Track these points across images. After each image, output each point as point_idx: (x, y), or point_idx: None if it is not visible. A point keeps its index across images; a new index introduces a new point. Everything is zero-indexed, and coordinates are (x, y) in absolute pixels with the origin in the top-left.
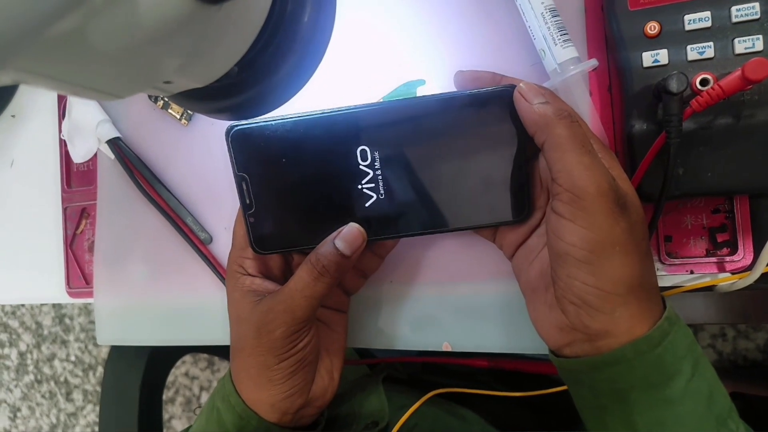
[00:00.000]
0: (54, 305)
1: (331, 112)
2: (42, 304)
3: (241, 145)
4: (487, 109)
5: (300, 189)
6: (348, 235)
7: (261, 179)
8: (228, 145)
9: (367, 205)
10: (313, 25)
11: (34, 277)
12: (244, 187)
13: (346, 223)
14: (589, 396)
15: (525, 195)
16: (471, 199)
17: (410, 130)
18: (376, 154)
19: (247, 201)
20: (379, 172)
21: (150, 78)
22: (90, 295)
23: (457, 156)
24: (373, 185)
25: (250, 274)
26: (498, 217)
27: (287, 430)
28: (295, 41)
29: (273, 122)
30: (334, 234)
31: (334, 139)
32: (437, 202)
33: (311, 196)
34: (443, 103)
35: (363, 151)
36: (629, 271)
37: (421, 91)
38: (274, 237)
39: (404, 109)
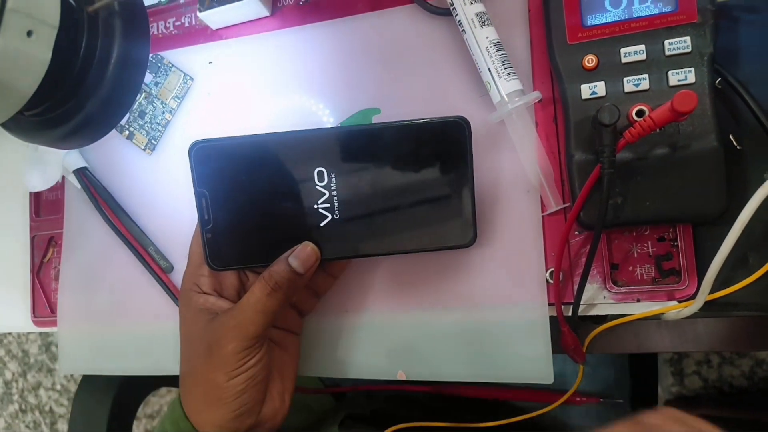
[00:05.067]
0: (41, 333)
1: (291, 132)
2: (29, 332)
3: (202, 162)
4: (438, 137)
5: (258, 206)
6: (302, 253)
7: (220, 195)
8: (190, 161)
9: (322, 224)
10: (124, 54)
11: (0, 306)
12: (204, 203)
13: (301, 241)
14: None
15: (472, 220)
16: (421, 222)
17: (365, 154)
18: (333, 175)
19: (206, 217)
20: (335, 193)
21: None
22: (55, 324)
23: (409, 181)
24: (328, 205)
25: (204, 292)
26: (447, 241)
27: None
28: (104, 77)
29: (234, 140)
30: (288, 252)
31: (293, 159)
32: (389, 224)
33: (268, 213)
34: (398, 130)
35: (320, 172)
36: None
37: (377, 119)
38: (230, 253)
39: (360, 133)
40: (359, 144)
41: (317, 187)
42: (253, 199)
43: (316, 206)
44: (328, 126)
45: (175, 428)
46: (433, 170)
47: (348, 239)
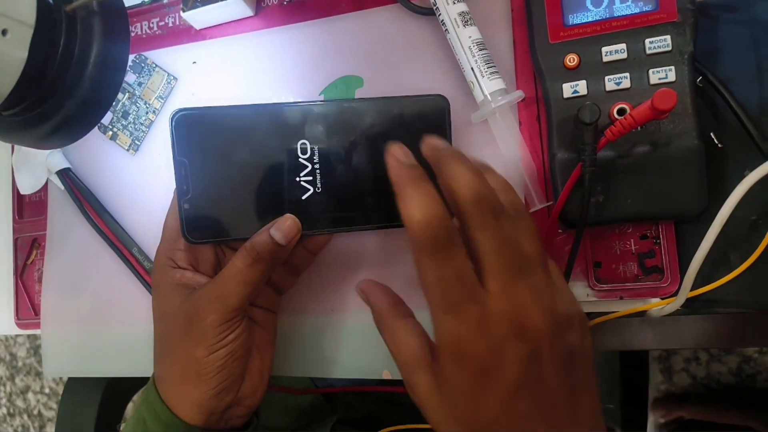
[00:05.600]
0: (29, 336)
1: (275, 104)
2: (17, 335)
3: (184, 130)
4: (418, 113)
5: (238, 177)
6: (283, 224)
7: (201, 165)
8: (171, 129)
9: (303, 197)
10: (103, 53)
11: None
12: (183, 172)
13: (282, 214)
14: None
15: None
16: None
17: (348, 128)
18: (316, 148)
19: (185, 187)
20: (317, 166)
21: None
22: (38, 326)
23: None
24: (310, 178)
25: (180, 267)
26: None
27: None
28: (83, 77)
29: (218, 110)
30: (270, 224)
31: (276, 130)
32: (370, 199)
33: (249, 184)
34: (381, 105)
35: (303, 145)
36: None
37: (360, 93)
38: (208, 225)
39: (344, 108)
40: (343, 118)
41: (300, 159)
42: (235, 170)
43: (298, 179)
44: (312, 98)
45: (152, 414)
46: (413, 145)
47: (329, 213)
